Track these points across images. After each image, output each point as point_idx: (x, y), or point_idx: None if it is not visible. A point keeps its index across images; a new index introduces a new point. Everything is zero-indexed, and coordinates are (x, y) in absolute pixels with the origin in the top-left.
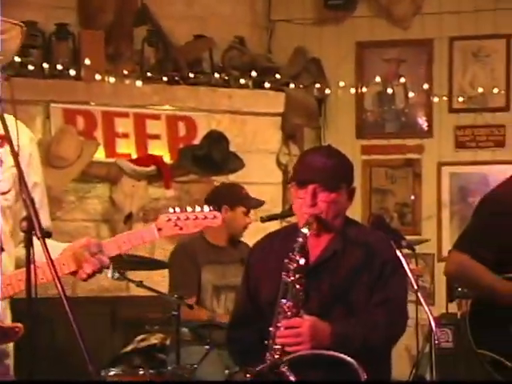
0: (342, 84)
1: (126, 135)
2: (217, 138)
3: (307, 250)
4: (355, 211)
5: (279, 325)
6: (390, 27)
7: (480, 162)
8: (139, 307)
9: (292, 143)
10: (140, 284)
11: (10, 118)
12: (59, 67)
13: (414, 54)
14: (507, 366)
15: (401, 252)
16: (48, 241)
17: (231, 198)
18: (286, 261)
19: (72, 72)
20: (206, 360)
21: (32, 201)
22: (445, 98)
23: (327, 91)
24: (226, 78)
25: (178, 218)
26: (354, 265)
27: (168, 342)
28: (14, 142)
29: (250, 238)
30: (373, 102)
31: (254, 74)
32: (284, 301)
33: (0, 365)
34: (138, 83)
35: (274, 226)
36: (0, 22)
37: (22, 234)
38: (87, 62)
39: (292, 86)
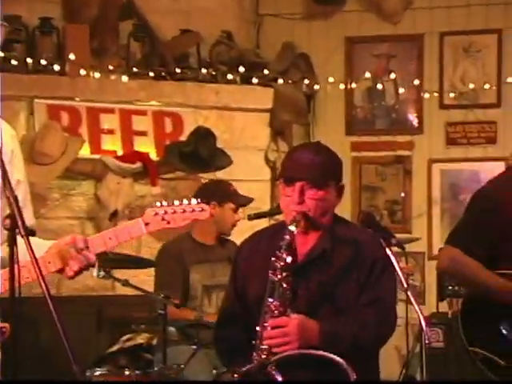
0: (331, 80)
1: (111, 131)
2: (204, 135)
3: (294, 248)
4: (344, 209)
5: (266, 324)
6: (379, 22)
7: (471, 159)
8: (125, 306)
9: (280, 140)
10: (126, 283)
11: None
12: (43, 62)
13: (404, 50)
14: (500, 364)
15: (391, 250)
16: (32, 239)
17: (220, 194)
18: (273, 259)
19: (56, 67)
20: (193, 360)
21: (15, 199)
22: (435, 94)
23: (316, 87)
24: (214, 73)
25: (166, 212)
26: (343, 263)
27: (154, 342)
28: None
29: (238, 236)
30: (362, 98)
31: (241, 69)
32: (271, 300)
33: None
34: (124, 78)
35: (262, 224)
36: None
37: (5, 233)
38: (72, 56)
39: (280, 81)
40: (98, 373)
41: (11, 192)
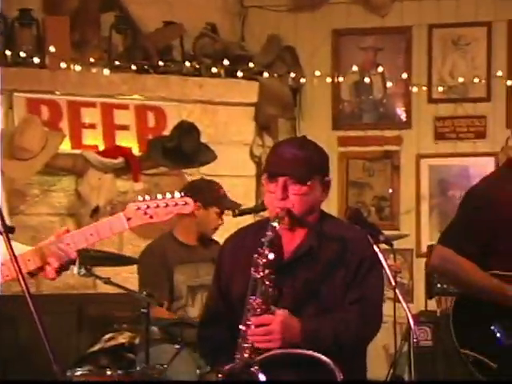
0: (317, 73)
1: (92, 126)
2: (187, 129)
3: (278, 245)
4: (331, 205)
5: (249, 323)
6: (367, 14)
7: (460, 154)
8: (107, 305)
9: (266, 134)
10: (108, 281)
11: None
12: (22, 55)
13: (392, 42)
14: (491, 366)
15: (378, 247)
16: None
17: (207, 195)
18: (255, 256)
19: (36, 60)
20: (176, 360)
21: None
22: (424, 88)
23: (302, 80)
24: (197, 66)
25: (148, 207)
26: (329, 261)
27: (137, 341)
28: None
29: (222, 233)
30: (350, 92)
31: (226, 62)
32: (253, 297)
33: None
34: (106, 72)
35: (247, 220)
36: None
37: None
38: (52, 49)
39: (266, 74)
40: (78, 373)
41: None
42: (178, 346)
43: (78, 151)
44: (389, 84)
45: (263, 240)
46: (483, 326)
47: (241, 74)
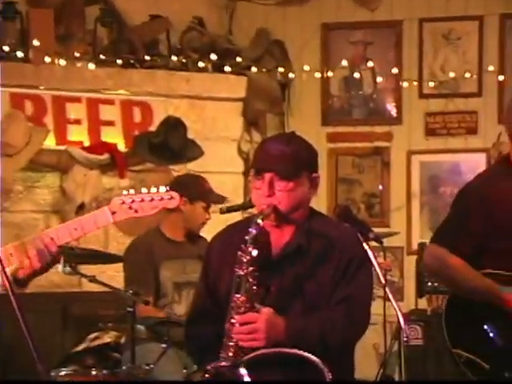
0: (306, 68)
1: (77, 121)
2: (174, 125)
3: (265, 242)
4: (320, 202)
5: (233, 321)
6: (356, 8)
7: (451, 150)
8: (92, 303)
9: (254, 130)
10: (93, 279)
11: None
12: (6, 48)
13: (382, 37)
14: (484, 367)
15: (368, 245)
16: None
17: (192, 190)
18: (239, 253)
19: (20, 54)
20: (163, 359)
21: None
22: (415, 83)
23: (291, 75)
24: (184, 60)
25: (133, 201)
26: (318, 259)
27: (123, 341)
28: None
29: (210, 230)
30: (339, 87)
31: (213, 56)
32: (237, 295)
33: None
34: (91, 66)
35: (235, 217)
36: None
37: None
38: (36, 43)
39: (254, 69)
40: (63, 373)
41: None
42: (164, 345)
43: (62, 147)
44: (379, 79)
45: (247, 237)
46: (476, 325)
47: (228, 68)
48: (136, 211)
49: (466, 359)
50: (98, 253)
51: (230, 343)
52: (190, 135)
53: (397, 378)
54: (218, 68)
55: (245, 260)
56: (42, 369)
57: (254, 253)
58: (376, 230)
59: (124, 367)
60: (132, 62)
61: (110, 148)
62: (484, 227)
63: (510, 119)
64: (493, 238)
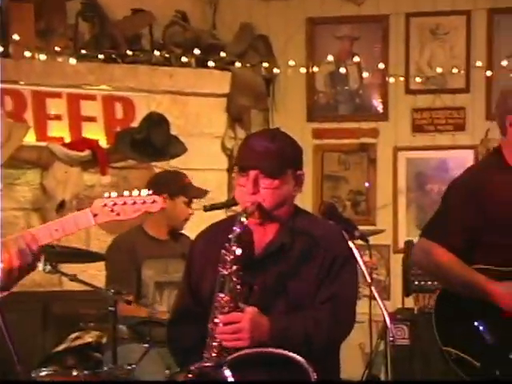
0: (291, 63)
1: (58, 117)
2: (157, 121)
3: (248, 240)
4: (306, 199)
5: (217, 321)
6: (342, 2)
7: (438, 147)
8: (73, 303)
9: (238, 126)
10: (74, 278)
11: None
12: None
13: (368, 32)
14: (474, 365)
15: (353, 243)
16: None
17: (172, 186)
18: (223, 252)
19: None
20: (145, 359)
21: None
22: (401, 79)
23: (276, 71)
24: (167, 55)
25: (115, 203)
26: (302, 258)
27: (104, 340)
28: None
29: (193, 228)
30: (325, 83)
31: (197, 51)
32: (221, 295)
33: None
34: (72, 61)
35: (219, 215)
36: None
37: None
38: (16, 37)
39: (238, 64)
40: (43, 373)
41: None
42: (146, 345)
43: (43, 143)
44: (365, 74)
45: (230, 236)
46: (466, 322)
47: (212, 63)
48: (118, 214)
49: (457, 357)
50: (79, 251)
51: (214, 343)
52: (173, 131)
53: (383, 378)
54: (201, 63)
55: (228, 259)
56: (22, 369)
57: (238, 252)
58: (362, 227)
59: (105, 367)
60: (114, 56)
61: (92, 144)
62: (475, 221)
63: (502, 110)
64: (484, 231)
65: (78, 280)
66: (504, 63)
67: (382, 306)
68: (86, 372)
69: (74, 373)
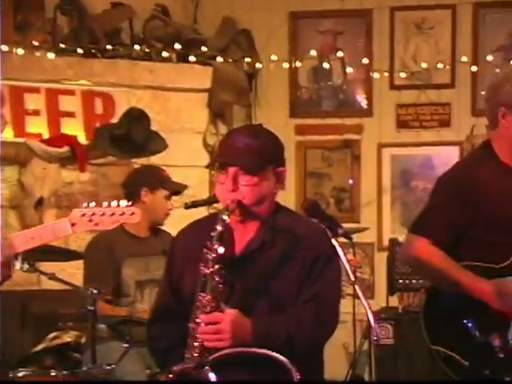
0: (274, 58)
1: (36, 112)
2: (137, 116)
3: (229, 238)
4: (288, 196)
5: (198, 320)
6: None
7: (423, 143)
8: (51, 302)
9: (220, 122)
10: (52, 276)
11: None
12: None
13: (352, 26)
14: (463, 364)
15: (337, 241)
16: None
17: (151, 180)
18: (205, 250)
19: None
20: (125, 359)
21: None
22: (386, 74)
23: (258, 65)
24: (148, 50)
25: (94, 214)
26: (283, 256)
27: (83, 340)
28: None
29: (175, 225)
30: (308, 78)
31: (178, 46)
32: (203, 294)
33: None
34: (50, 55)
35: (200, 213)
36: None
37: None
38: None
39: (220, 59)
40: (21, 374)
41: None
42: (126, 345)
43: (21, 139)
44: (349, 69)
45: (212, 234)
46: (455, 320)
47: (193, 58)
48: (96, 224)
49: (445, 356)
50: (57, 249)
51: (195, 343)
52: (154, 127)
53: (367, 377)
54: (182, 58)
55: (210, 258)
56: None
57: (220, 250)
58: (345, 225)
59: (84, 368)
60: (93, 51)
61: (70, 140)
62: (463, 217)
63: (493, 102)
64: (473, 228)
65: (56, 279)
66: (489, 58)
67: (365, 304)
68: (64, 372)
69: (53, 373)
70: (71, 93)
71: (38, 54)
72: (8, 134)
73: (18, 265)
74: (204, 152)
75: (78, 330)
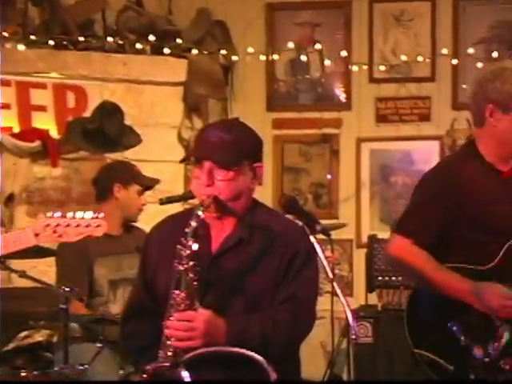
0: (250, 50)
1: (6, 106)
2: (110, 110)
3: (205, 235)
4: (266, 192)
5: (172, 318)
6: None
7: (403, 138)
8: (22, 300)
9: (195, 116)
10: (23, 274)
11: None
12: None
13: (330, 18)
14: (447, 368)
15: (315, 238)
16: None
17: (124, 175)
18: (179, 247)
19: None
20: (97, 359)
21: None
22: (365, 67)
23: (234, 58)
24: (121, 42)
25: (58, 225)
26: (260, 254)
27: (55, 339)
28: None
29: (149, 221)
30: (285, 71)
31: (152, 38)
32: (177, 291)
33: None
34: (21, 47)
35: (175, 208)
36: None
37: None
38: None
39: (195, 51)
40: None
41: None
42: (99, 345)
43: None
44: (327, 62)
45: (187, 230)
46: (439, 323)
47: (168, 50)
48: (60, 236)
49: (429, 360)
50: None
51: (169, 342)
52: (127, 121)
53: (345, 377)
54: (156, 50)
55: (185, 254)
56: None
57: (195, 247)
58: (324, 221)
59: (56, 368)
60: (65, 43)
61: (42, 135)
62: (448, 216)
63: (479, 99)
64: (458, 228)
65: (27, 276)
66: (470, 51)
67: (344, 302)
68: (35, 372)
69: (23, 373)
70: (42, 86)
71: (8, 45)
72: None
73: None
74: (179, 147)
75: (50, 329)
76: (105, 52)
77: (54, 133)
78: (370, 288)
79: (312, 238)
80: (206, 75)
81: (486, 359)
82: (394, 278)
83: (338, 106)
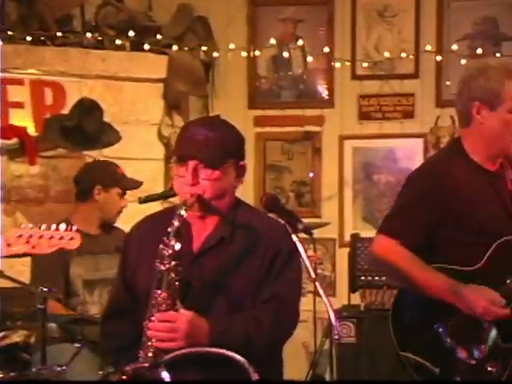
0: (231, 46)
1: None
2: (89, 107)
3: (187, 234)
4: (247, 190)
5: (153, 319)
6: None
7: (386, 135)
8: None
9: (176, 113)
10: (0, 274)
11: None
12: None
13: (312, 13)
14: (433, 371)
15: (297, 237)
16: None
17: (105, 177)
18: (161, 246)
19: None
20: (76, 359)
21: None
22: (347, 64)
23: (215, 54)
24: (100, 38)
25: (31, 236)
26: (242, 253)
27: (32, 340)
28: None
29: (128, 221)
30: (267, 67)
31: (131, 34)
32: (158, 292)
33: None
34: None
35: (155, 207)
36: None
37: None
38: None
39: (175, 48)
40: None
41: None
42: (77, 345)
43: None
44: (309, 59)
45: (169, 229)
46: (425, 326)
47: (148, 46)
48: (33, 247)
49: (415, 363)
50: None
51: (150, 343)
52: (107, 119)
53: (328, 377)
54: (136, 46)
55: (167, 254)
56: None
57: (177, 246)
58: (306, 220)
59: (34, 368)
60: (43, 38)
61: (19, 132)
62: (433, 216)
63: (465, 97)
64: (442, 226)
65: (4, 276)
66: (454, 47)
67: (326, 302)
68: (12, 373)
69: (0, 374)
70: (20, 82)
71: None
72: None
73: None
74: (159, 144)
75: (27, 330)
76: (83, 48)
77: (32, 130)
78: (352, 288)
79: (294, 237)
80: (187, 72)
81: (472, 361)
82: (377, 278)
83: (321, 103)
